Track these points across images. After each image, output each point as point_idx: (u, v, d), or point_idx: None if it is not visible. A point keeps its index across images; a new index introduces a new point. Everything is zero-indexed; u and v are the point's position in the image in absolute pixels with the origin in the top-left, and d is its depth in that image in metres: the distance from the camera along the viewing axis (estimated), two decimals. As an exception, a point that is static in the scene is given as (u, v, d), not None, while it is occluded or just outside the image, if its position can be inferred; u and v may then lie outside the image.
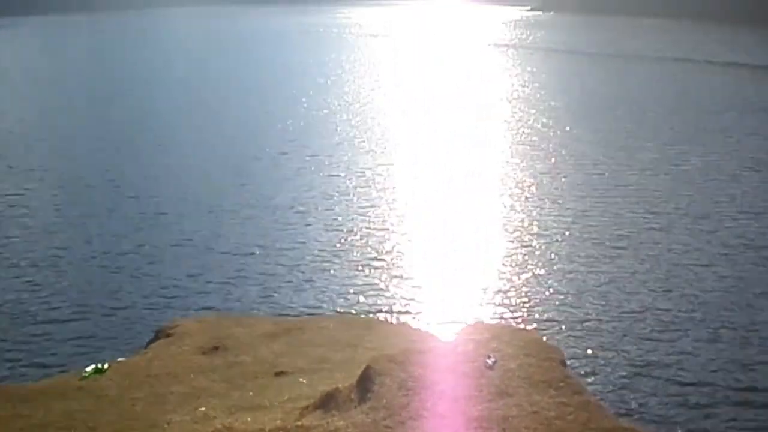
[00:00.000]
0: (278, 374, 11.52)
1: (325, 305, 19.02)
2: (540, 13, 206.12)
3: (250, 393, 10.60)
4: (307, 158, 34.79)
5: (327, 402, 8.86)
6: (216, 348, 12.82)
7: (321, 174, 32.03)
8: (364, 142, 38.85)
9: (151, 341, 14.02)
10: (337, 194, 28.99)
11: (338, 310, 18.64)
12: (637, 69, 72.07)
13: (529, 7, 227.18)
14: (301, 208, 27.26)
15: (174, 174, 32.34)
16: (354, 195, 28.90)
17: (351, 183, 30.69)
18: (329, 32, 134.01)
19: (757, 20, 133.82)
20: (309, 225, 25.44)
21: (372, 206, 27.42)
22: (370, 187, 30.02)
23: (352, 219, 25.96)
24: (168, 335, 13.84)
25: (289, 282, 20.55)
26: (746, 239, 23.40)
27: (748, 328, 17.43)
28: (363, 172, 32.25)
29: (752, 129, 41.10)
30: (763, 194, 28.52)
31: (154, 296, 19.85)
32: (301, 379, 11.14)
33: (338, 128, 42.49)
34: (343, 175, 31.89)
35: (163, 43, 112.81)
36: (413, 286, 20.20)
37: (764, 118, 44.18)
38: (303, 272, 21.20)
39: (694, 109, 47.62)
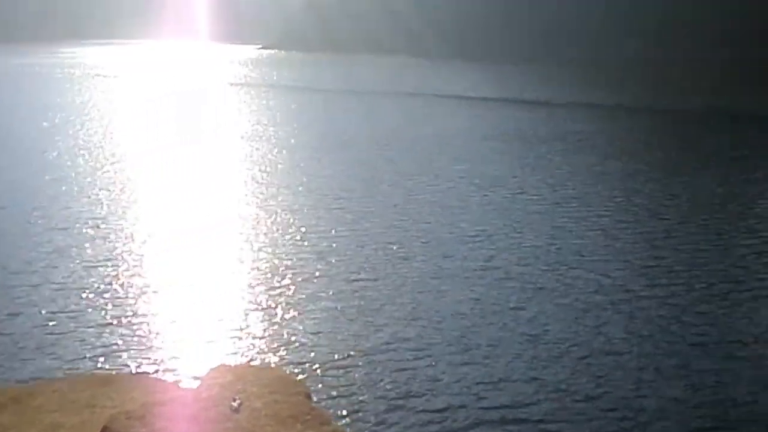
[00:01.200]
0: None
1: (56, 365, 17.34)
2: (272, 51, 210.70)
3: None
4: (36, 213, 31.83)
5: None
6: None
7: (52, 227, 29.53)
8: (94, 187, 36.58)
9: None
10: (64, 247, 26.81)
11: (72, 369, 17.10)
12: (371, 104, 75.71)
13: (260, 46, 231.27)
14: (25, 267, 24.77)
15: None
16: (85, 245, 26.97)
17: (82, 231, 28.67)
18: (53, 73, 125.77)
19: (482, 57, 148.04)
20: (35, 285, 23.13)
21: (104, 257, 25.73)
22: (103, 237, 28.22)
23: (77, 274, 24.03)
24: None
25: (17, 346, 18.53)
26: (482, 261, 25.13)
27: (492, 348, 18.44)
28: (97, 222, 30.29)
29: (481, 155, 44.67)
30: (494, 215, 30.89)
31: None
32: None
33: (64, 174, 39.63)
34: (70, 228, 29.51)
35: None
36: (150, 333, 19.13)
37: (490, 146, 48.20)
38: (28, 335, 19.18)
39: (429, 139, 50.84)
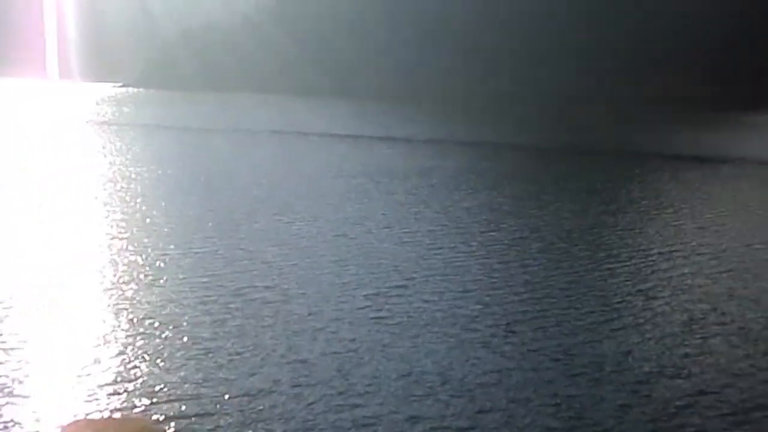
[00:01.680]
0: None
1: None
2: (134, 89, 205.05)
3: None
4: None
5: None
6: None
7: None
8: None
9: None
10: None
11: None
12: (236, 143, 74.58)
13: (120, 84, 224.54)
14: None
15: None
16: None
17: None
18: None
19: (346, 93, 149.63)
20: None
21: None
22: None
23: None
24: None
25: None
26: (353, 300, 24.83)
27: (368, 387, 18.25)
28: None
29: (349, 193, 44.68)
30: (363, 253, 30.74)
31: None
32: None
33: None
34: None
35: None
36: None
37: (357, 183, 48.30)
38: None
39: (295, 178, 50.43)
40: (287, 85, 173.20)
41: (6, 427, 15.47)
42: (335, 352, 20.28)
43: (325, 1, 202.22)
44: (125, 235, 33.46)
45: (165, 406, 16.87)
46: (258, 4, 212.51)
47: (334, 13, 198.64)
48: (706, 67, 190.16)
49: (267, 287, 25.88)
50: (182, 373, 18.69)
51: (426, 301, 24.35)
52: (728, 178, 55.38)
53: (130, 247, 31.22)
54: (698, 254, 31.17)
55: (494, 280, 26.93)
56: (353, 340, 21.20)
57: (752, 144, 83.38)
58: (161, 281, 26.37)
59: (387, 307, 23.89)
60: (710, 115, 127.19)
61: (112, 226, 35.59)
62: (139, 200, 42.38)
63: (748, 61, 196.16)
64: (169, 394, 17.51)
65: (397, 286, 26.12)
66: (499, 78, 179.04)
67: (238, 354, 20.14)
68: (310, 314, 23.13)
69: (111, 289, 25.55)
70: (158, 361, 19.42)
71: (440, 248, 31.31)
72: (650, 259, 30.35)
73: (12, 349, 20.15)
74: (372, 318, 22.97)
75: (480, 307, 23.90)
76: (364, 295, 24.99)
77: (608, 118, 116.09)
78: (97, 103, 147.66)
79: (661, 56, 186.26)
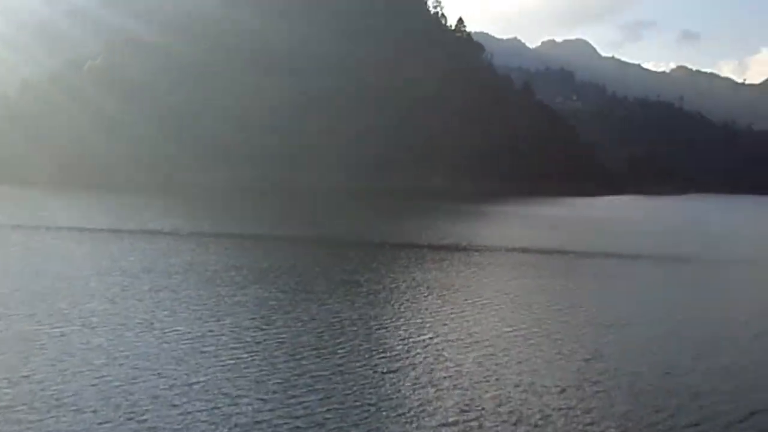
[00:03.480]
0: None
1: None
2: None
3: None
4: None
5: None
6: None
7: None
8: None
9: None
10: None
11: None
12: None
13: None
14: None
15: None
16: None
17: None
18: None
19: (98, 186, 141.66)
20: None
21: None
22: None
23: None
24: None
25: None
26: (116, 412, 22.57)
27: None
28: None
29: (109, 291, 41.15)
30: (126, 354, 28.32)
31: None
32: None
33: None
34: None
35: None
36: None
37: (118, 280, 44.89)
38: None
39: (49, 277, 45.84)
40: (25, 176, 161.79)
41: None
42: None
43: (65, 90, 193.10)
44: None
45: None
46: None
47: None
48: (460, 164, 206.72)
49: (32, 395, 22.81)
50: None
51: (188, 412, 22.67)
52: (485, 265, 59.39)
53: None
54: (467, 339, 32.61)
55: (273, 382, 25.95)
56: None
57: (502, 232, 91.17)
58: None
59: (149, 417, 21.97)
60: (468, 207, 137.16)
61: None
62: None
63: (496, 159, 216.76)
64: None
65: (154, 396, 24.18)
66: (257, 170, 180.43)
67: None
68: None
69: None
70: None
71: (209, 348, 29.75)
72: (413, 349, 31.17)
73: None
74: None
75: (274, 405, 22.83)
76: (124, 404, 22.80)
77: (368, 209, 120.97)
78: None
79: (422, 151, 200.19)
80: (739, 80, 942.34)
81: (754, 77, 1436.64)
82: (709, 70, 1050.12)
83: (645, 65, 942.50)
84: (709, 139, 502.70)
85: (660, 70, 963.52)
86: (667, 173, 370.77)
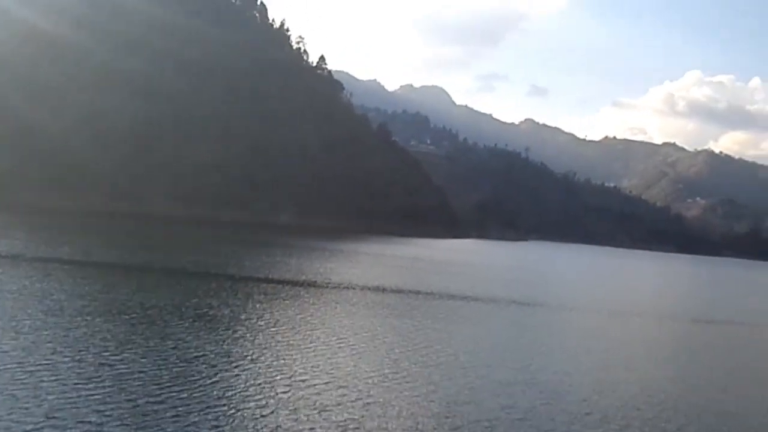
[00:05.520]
0: None
1: None
2: None
3: None
4: None
5: None
6: None
7: None
8: None
9: None
10: None
11: None
12: None
13: None
14: None
15: None
16: None
17: None
18: None
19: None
20: None
21: None
22: None
23: None
24: None
25: None
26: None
27: None
28: None
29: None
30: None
31: None
32: None
33: None
34: None
35: None
36: None
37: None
38: None
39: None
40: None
41: None
42: None
43: None
44: None
45: None
46: None
47: None
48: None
49: None
50: None
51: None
52: (340, 302, 59.56)
53: None
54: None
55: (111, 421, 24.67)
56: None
57: (356, 270, 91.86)
58: None
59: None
60: (320, 244, 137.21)
61: None
62: None
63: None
64: None
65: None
66: (100, 196, 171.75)
67: None
68: None
69: None
70: None
71: (45, 384, 27.92)
72: (264, 389, 30.81)
73: None
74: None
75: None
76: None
77: (215, 241, 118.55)
78: None
79: (272, 185, 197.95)
80: (581, 136, 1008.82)
81: (594, 134, 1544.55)
82: (554, 125, 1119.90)
83: (496, 116, 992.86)
84: (551, 189, 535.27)
85: (510, 121, 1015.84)
86: (510, 219, 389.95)
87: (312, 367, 35.21)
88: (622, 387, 38.57)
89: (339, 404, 29.26)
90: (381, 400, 30.60)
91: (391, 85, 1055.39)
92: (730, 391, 41.26)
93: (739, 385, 42.98)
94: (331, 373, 34.20)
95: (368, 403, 29.88)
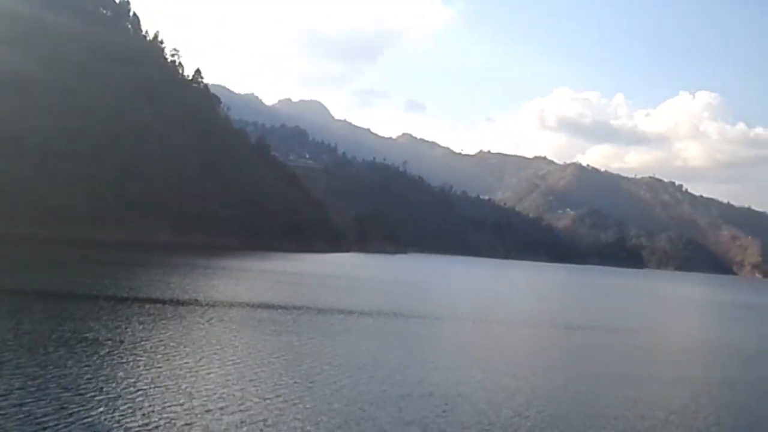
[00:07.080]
0: None
1: None
2: None
3: None
4: None
5: None
6: None
7: None
8: None
9: None
10: None
11: None
12: None
13: None
14: None
15: None
16: None
17: None
18: None
19: None
20: None
21: None
22: None
23: None
24: None
25: None
26: None
27: None
28: None
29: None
30: None
31: None
32: None
33: None
34: None
35: None
36: None
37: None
38: None
39: None
40: None
41: None
42: None
43: None
44: None
45: None
46: None
47: None
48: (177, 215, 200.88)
49: None
50: None
51: None
52: (225, 321, 58.19)
53: None
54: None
55: None
56: None
57: (238, 287, 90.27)
58: None
59: None
60: (200, 261, 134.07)
61: None
62: None
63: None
64: None
65: None
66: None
67: None
68: None
69: None
70: None
71: None
72: (151, 412, 29.70)
73: None
74: None
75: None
76: None
77: (89, 261, 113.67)
78: None
79: (147, 203, 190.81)
80: (457, 150, 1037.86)
81: (469, 148, 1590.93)
82: (431, 139, 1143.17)
83: (374, 130, 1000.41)
84: (429, 202, 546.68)
85: (387, 135, 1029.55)
86: (390, 232, 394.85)
87: (200, 389, 34.17)
88: (514, 396, 39.56)
89: (229, 428, 28.52)
90: (276, 420, 30.07)
91: (270, 99, 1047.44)
92: (605, 394, 43.20)
93: (614, 388, 45.04)
94: (222, 395, 33.30)
95: (266, 423, 29.31)
